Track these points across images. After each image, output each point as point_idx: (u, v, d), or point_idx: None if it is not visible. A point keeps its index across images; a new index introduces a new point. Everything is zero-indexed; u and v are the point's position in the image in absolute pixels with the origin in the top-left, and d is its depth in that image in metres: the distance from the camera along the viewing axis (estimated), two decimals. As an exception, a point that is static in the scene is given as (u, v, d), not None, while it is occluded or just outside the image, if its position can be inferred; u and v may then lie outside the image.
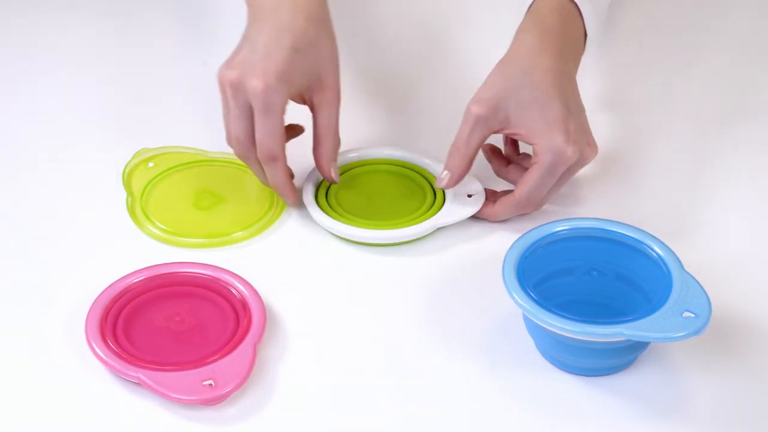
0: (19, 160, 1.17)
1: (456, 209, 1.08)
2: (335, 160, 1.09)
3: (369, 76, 1.27)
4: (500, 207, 1.08)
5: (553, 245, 0.99)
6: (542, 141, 1.03)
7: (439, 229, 1.09)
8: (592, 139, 1.06)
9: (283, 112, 1.04)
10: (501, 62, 1.06)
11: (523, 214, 1.09)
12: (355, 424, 0.94)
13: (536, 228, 1.00)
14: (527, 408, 0.95)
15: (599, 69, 1.26)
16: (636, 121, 1.21)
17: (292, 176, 1.10)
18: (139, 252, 1.07)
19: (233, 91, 1.04)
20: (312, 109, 1.07)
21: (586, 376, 0.97)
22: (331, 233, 1.08)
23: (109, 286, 1.01)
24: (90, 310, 0.99)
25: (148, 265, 1.03)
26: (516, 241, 0.98)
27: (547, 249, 0.99)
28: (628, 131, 1.20)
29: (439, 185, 1.08)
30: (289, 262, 1.07)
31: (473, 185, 1.10)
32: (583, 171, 1.14)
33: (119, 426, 0.94)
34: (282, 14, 1.04)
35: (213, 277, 1.03)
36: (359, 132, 1.19)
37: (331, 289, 1.05)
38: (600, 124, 1.18)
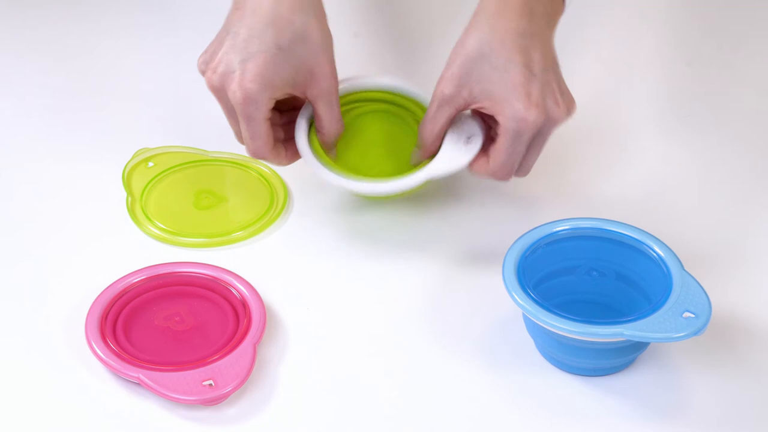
0: (19, 160, 1.17)
1: (452, 156, 1.05)
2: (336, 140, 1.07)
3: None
4: (477, 172, 1.05)
5: (553, 245, 0.99)
6: (503, 110, 1.00)
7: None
8: (566, 97, 1.02)
9: (265, 117, 1.02)
10: (463, 33, 1.03)
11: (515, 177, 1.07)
12: (355, 424, 0.94)
13: (536, 228, 1.00)
14: (527, 408, 0.95)
15: (599, 68, 1.26)
16: (636, 121, 1.21)
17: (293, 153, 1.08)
18: (139, 252, 1.07)
19: (217, 95, 1.03)
20: (308, 100, 1.05)
21: (586, 376, 0.97)
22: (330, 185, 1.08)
23: (109, 286, 1.01)
24: (90, 310, 0.99)
25: (148, 265, 1.03)
26: (516, 241, 0.98)
27: (547, 249, 0.99)
28: (628, 131, 1.20)
29: (412, 162, 1.07)
30: (289, 262, 1.07)
31: (472, 127, 1.06)
32: (584, 170, 1.14)
33: (119, 426, 0.94)
34: (264, 2, 1.01)
35: (213, 277, 1.03)
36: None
37: (331, 289, 1.05)
38: (600, 124, 1.19)
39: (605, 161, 1.16)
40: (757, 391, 0.95)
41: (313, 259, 1.08)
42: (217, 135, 1.12)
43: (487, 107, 1.02)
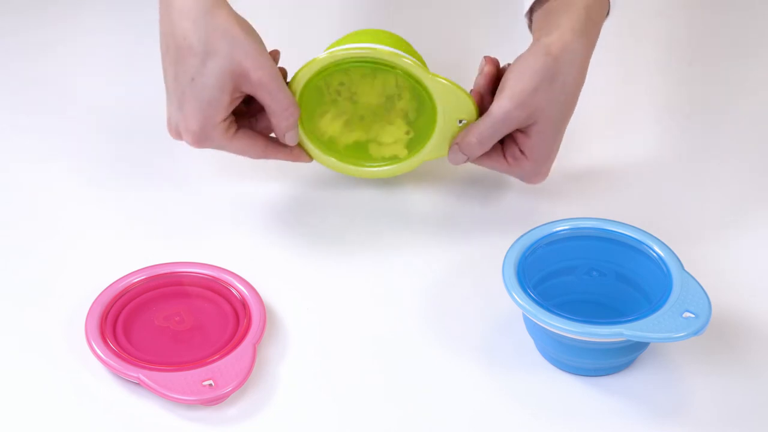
0: (19, 158, 1.17)
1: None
2: (293, 128, 1.04)
3: None
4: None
5: (553, 245, 0.99)
6: (531, 163, 1.04)
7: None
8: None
9: (230, 137, 1.03)
10: (531, 50, 1.02)
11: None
12: (355, 423, 0.94)
13: (536, 228, 1.00)
14: (527, 408, 0.95)
15: (599, 69, 1.26)
16: (636, 121, 1.21)
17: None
18: (139, 252, 1.07)
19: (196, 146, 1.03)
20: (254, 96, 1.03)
21: (586, 376, 0.97)
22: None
23: (109, 286, 1.01)
24: (90, 310, 0.99)
25: (148, 265, 1.03)
26: (516, 241, 0.98)
27: (547, 249, 0.99)
28: (628, 131, 1.20)
29: (453, 162, 1.06)
30: (289, 262, 1.07)
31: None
32: (584, 171, 1.14)
33: (119, 426, 0.94)
34: (171, 40, 0.99)
35: (213, 277, 1.03)
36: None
37: (332, 289, 1.05)
38: (600, 124, 1.19)
39: (605, 161, 1.16)
40: (757, 391, 0.95)
41: (313, 259, 1.08)
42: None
43: (525, 142, 1.04)
